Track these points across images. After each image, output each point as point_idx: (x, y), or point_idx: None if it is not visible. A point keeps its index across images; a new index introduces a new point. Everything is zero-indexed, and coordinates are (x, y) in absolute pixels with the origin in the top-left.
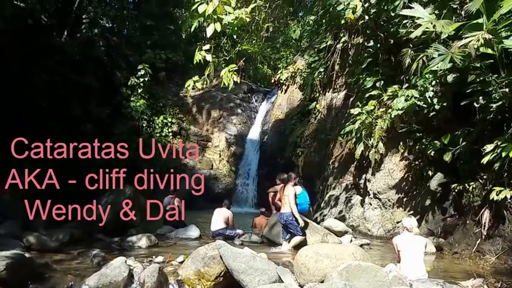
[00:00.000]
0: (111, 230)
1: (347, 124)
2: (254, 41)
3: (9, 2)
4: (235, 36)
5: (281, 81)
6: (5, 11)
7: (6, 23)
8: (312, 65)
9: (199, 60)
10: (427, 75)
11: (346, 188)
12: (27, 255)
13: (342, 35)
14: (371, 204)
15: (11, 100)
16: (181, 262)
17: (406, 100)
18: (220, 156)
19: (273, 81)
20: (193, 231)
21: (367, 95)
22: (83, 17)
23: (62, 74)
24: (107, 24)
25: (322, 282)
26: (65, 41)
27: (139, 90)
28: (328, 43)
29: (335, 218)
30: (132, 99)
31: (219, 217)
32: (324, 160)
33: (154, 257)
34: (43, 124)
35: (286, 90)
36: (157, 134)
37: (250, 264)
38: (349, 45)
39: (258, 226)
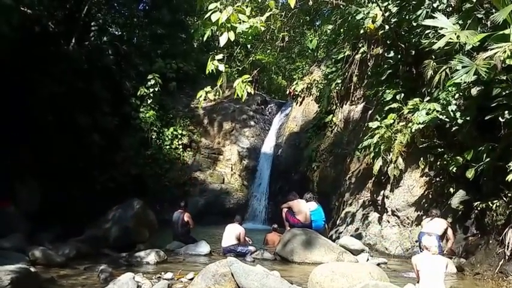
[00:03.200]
0: (119, 245)
1: (365, 138)
2: (269, 51)
3: (17, 9)
4: (249, 46)
5: (296, 93)
6: (12, 18)
7: (13, 30)
8: (329, 76)
9: (212, 70)
10: (450, 88)
11: (363, 204)
12: (32, 269)
13: (360, 45)
14: (389, 222)
15: (13, 112)
16: (191, 279)
17: (427, 114)
18: (232, 170)
19: (287, 92)
20: (204, 248)
21: (386, 108)
22: (92, 24)
23: (68, 83)
24: (116, 32)
25: None
26: (72, 49)
27: (149, 101)
28: (346, 53)
29: (351, 235)
30: (141, 110)
31: (231, 233)
32: (340, 175)
33: (163, 273)
34: (47, 137)
35: (301, 102)
36: (167, 147)
37: (263, 282)
38: (368, 56)
39: (270, 243)
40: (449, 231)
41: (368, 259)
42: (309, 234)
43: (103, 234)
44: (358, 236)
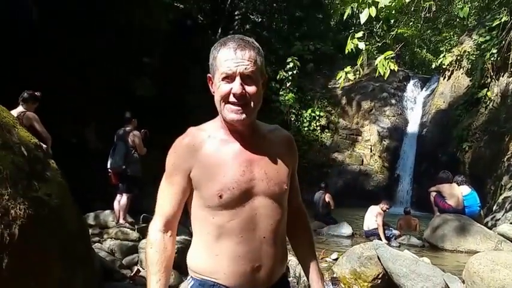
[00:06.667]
0: None
1: None
2: (411, 23)
3: (172, 6)
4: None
5: (443, 66)
6: (168, 13)
7: (169, 24)
8: (482, 46)
9: (351, 49)
10: None
11: None
12: None
13: None
14: None
15: (170, 96)
16: (335, 259)
17: None
18: (371, 151)
19: (433, 66)
20: (346, 229)
21: None
22: (235, 13)
23: None
24: (257, 19)
25: None
26: (219, 38)
27: (288, 84)
28: (502, 19)
29: (511, 223)
30: (280, 93)
31: (373, 216)
32: (496, 156)
33: None
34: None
35: (449, 77)
36: (305, 128)
37: (412, 268)
38: None
39: (403, 227)
40: None
41: None
42: (462, 220)
43: None
44: None
